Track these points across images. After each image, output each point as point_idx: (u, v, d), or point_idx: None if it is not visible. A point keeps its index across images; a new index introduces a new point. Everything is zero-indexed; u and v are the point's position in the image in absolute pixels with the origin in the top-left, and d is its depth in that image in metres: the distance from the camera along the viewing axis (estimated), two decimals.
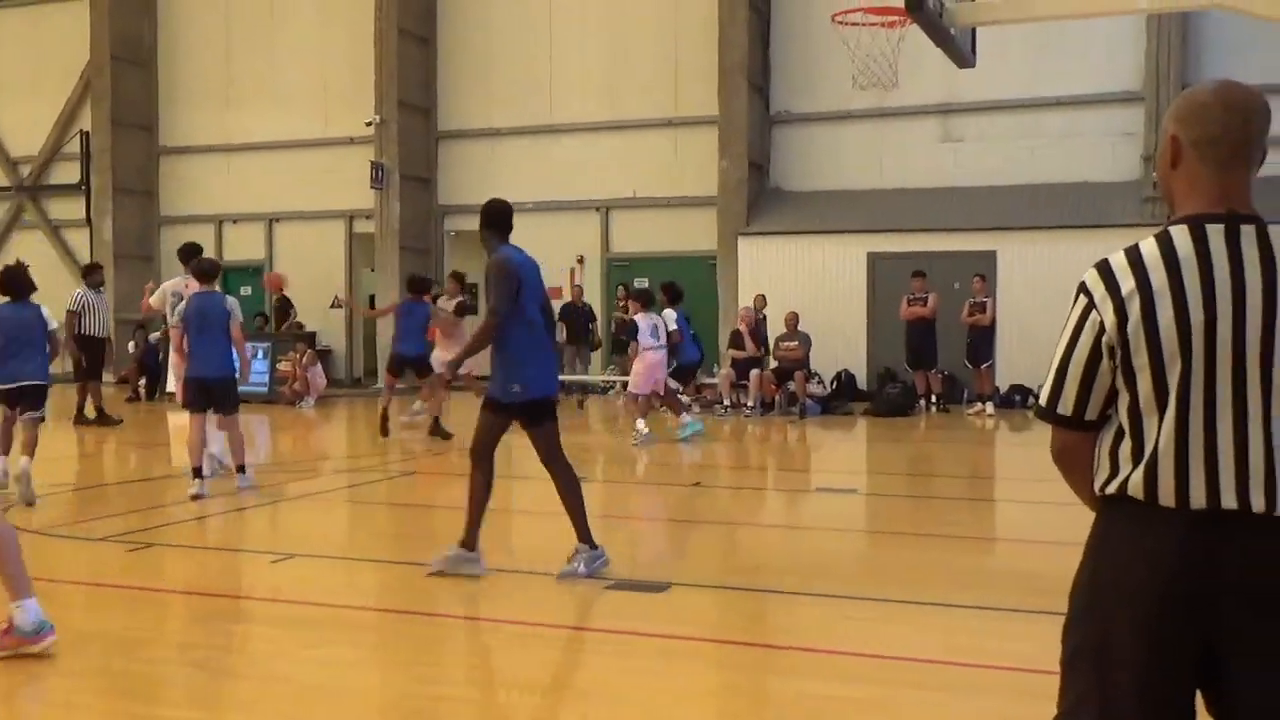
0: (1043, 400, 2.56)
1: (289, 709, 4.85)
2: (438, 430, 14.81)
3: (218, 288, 10.88)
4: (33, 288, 10.11)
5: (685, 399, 16.62)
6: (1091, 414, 2.48)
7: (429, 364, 15.18)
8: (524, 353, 6.97)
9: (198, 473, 10.20)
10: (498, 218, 7.49)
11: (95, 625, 6.21)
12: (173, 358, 11.05)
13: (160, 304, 12.48)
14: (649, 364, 14.52)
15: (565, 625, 5.99)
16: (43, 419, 10.14)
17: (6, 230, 27.52)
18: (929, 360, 18.14)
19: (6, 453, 10.28)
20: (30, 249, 27.15)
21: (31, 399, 9.94)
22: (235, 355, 10.67)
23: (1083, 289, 2.48)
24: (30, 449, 9.82)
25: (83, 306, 16.29)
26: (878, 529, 9.47)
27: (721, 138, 20.81)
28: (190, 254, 11.58)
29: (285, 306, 23.70)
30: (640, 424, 14.35)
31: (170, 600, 6.85)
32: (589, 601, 6.52)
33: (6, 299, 9.99)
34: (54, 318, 10.30)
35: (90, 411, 16.46)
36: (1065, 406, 2.50)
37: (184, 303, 10.73)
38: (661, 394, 14.97)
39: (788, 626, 6.29)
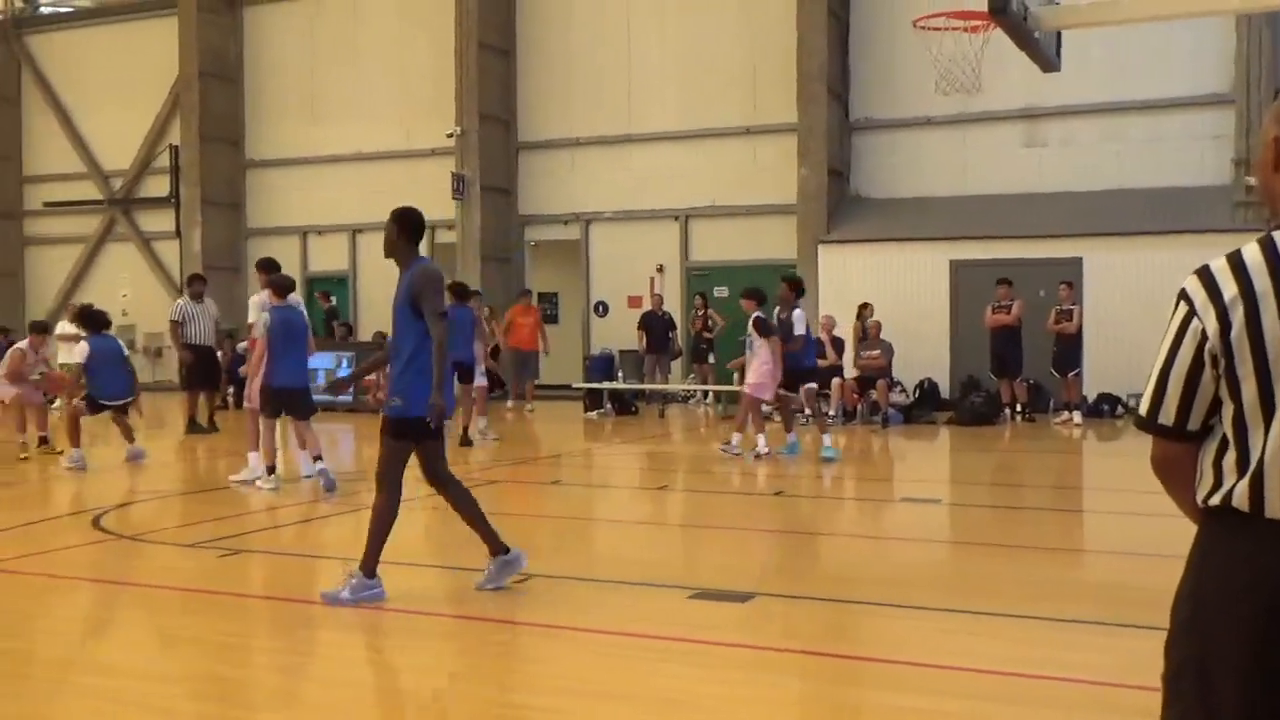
0: (1143, 410, 2.49)
1: (373, 714, 4.89)
2: (466, 440, 14.88)
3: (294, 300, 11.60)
4: (109, 323, 13.50)
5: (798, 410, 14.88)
6: (1193, 424, 2.42)
7: (472, 371, 15.12)
8: (424, 368, 6.69)
9: (271, 470, 11.16)
10: (414, 226, 7.19)
11: (187, 630, 6.32)
12: (252, 367, 11.52)
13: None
14: (770, 365, 13.04)
15: (646, 634, 5.98)
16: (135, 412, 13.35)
17: (99, 242, 28.18)
18: (1014, 369, 17.87)
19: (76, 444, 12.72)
20: (122, 261, 27.90)
21: (123, 409, 13.00)
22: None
23: (1183, 296, 2.41)
24: (129, 435, 12.81)
25: (184, 316, 16.68)
26: (962, 540, 9.35)
27: (801, 145, 20.70)
28: (268, 269, 11.83)
29: (329, 317, 24.03)
30: (760, 437, 13.28)
31: (257, 605, 6.96)
32: (671, 610, 6.50)
33: (90, 333, 13.05)
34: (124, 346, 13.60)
35: (202, 419, 16.75)
36: (1166, 417, 2.44)
37: (265, 315, 11.15)
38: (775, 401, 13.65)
39: (871, 638, 6.23)
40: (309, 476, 11.41)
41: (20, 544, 8.87)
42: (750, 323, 13.21)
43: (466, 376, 15.02)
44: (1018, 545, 8.61)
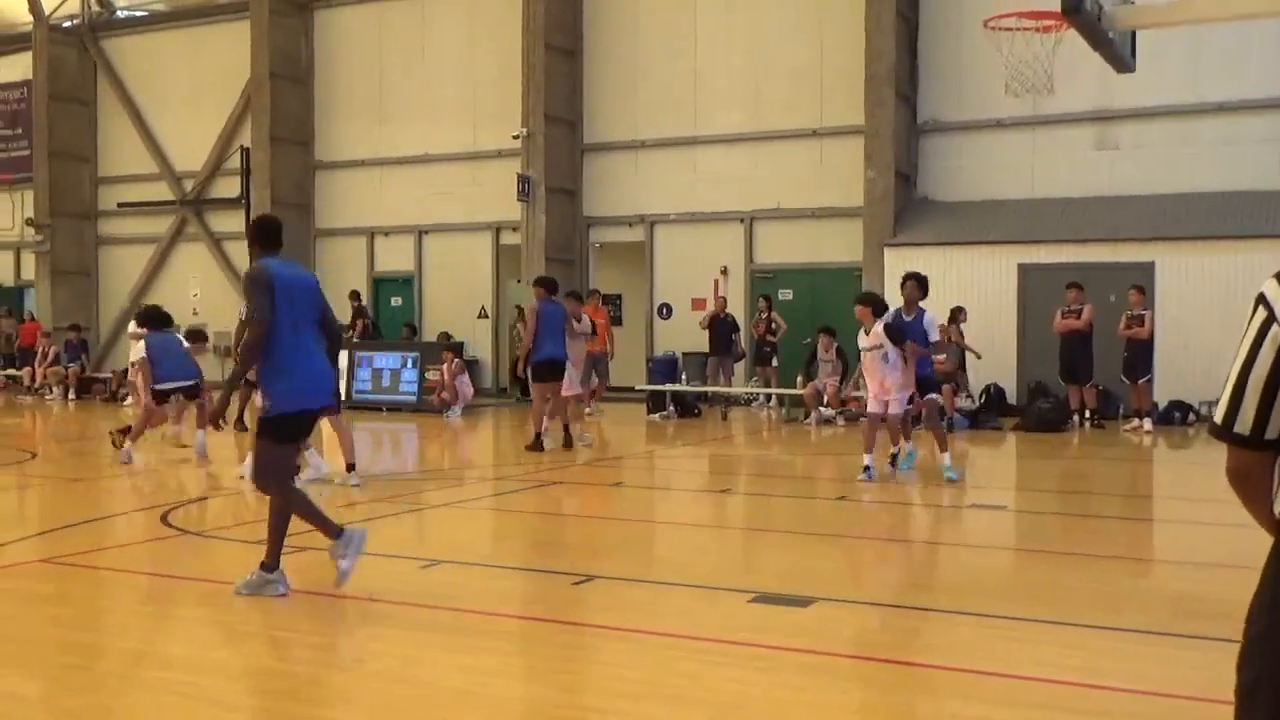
0: (1218, 418, 2.42)
1: (434, 714, 4.90)
2: (539, 445, 14.59)
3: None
4: (170, 321, 14.64)
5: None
6: (1271, 433, 2.35)
7: (559, 367, 14.81)
8: (278, 367, 6.74)
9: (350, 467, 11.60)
10: (263, 234, 7.16)
11: (252, 626, 6.38)
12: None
13: None
14: (906, 370, 11.85)
15: (707, 637, 5.94)
16: (202, 403, 13.69)
17: (171, 242, 28.64)
18: (1084, 374, 17.61)
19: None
20: (193, 261, 28.33)
21: (191, 394, 13.71)
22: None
23: (1261, 301, 2.34)
24: (201, 423, 13.30)
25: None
26: (1028, 547, 9.22)
27: (867, 147, 20.56)
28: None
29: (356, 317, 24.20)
30: (907, 443, 12.53)
31: (321, 603, 7.00)
32: (732, 614, 6.46)
33: (149, 329, 13.96)
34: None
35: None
36: (1243, 425, 2.37)
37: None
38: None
39: (935, 645, 6.15)
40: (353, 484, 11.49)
41: (91, 538, 9.03)
42: (877, 330, 11.70)
43: (548, 374, 14.66)
44: (1086, 553, 8.47)
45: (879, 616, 6.59)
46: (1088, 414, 17.68)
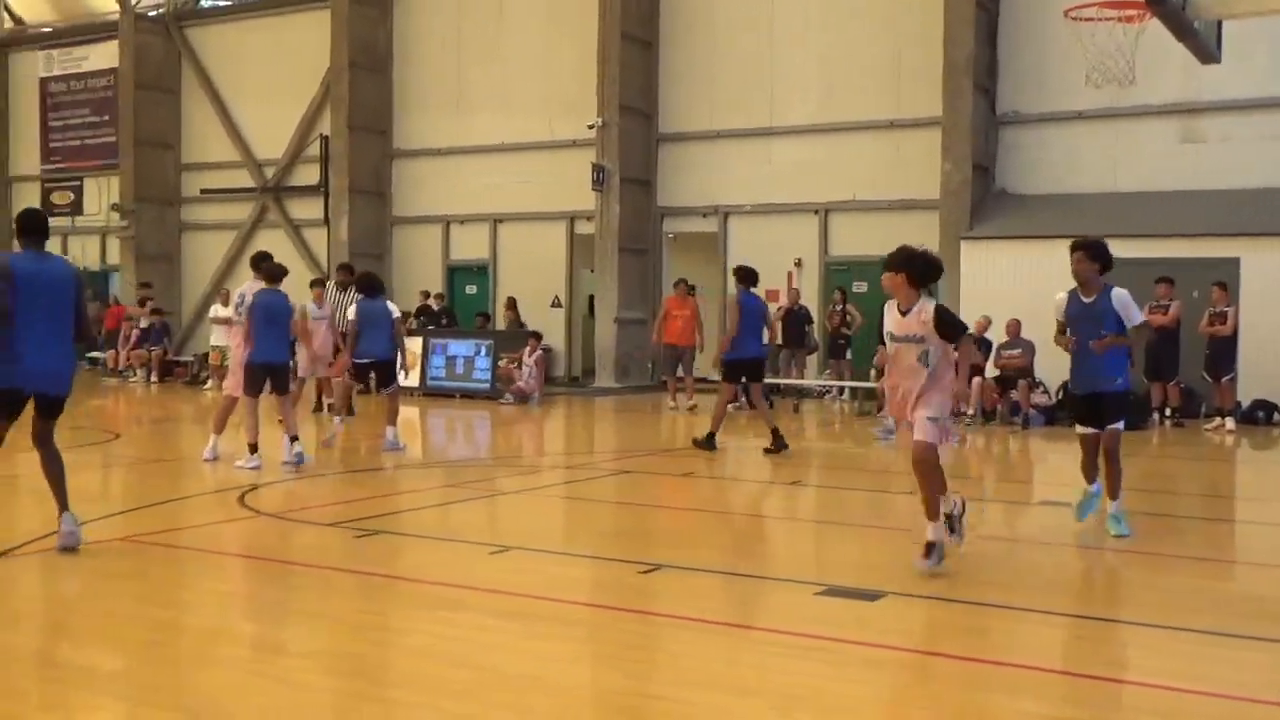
0: None
1: (503, 698, 4.95)
2: (780, 444, 13.46)
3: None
4: (383, 287, 13.61)
5: None
6: None
7: (763, 369, 14.34)
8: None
9: (253, 449, 11.58)
10: (28, 225, 7.72)
11: (325, 607, 6.49)
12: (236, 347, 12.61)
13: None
14: (953, 381, 11.22)
15: (774, 629, 5.94)
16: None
17: (252, 229, 29.07)
18: (1169, 372, 17.25)
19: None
20: (273, 247, 28.51)
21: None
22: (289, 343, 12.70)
23: None
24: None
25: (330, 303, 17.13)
26: (1101, 545, 9.08)
27: (945, 139, 20.34)
28: (260, 261, 12.73)
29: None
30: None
31: (393, 586, 7.09)
32: (799, 606, 6.45)
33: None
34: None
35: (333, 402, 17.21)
36: None
37: (248, 297, 12.15)
38: None
39: (1003, 642, 6.09)
40: (286, 462, 11.76)
41: (170, 518, 9.22)
42: (924, 313, 11.18)
43: (751, 373, 14.18)
44: (1162, 553, 8.33)
45: (948, 612, 6.54)
46: (1168, 412, 17.36)
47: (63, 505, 7.61)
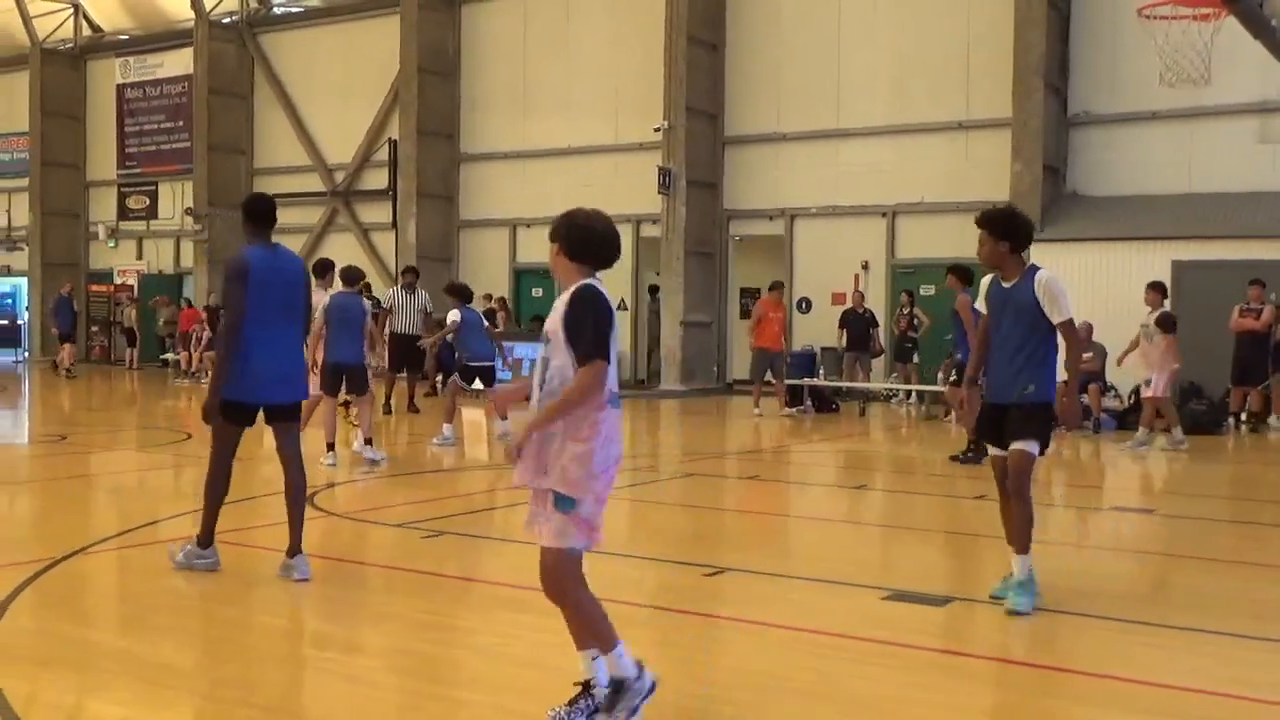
0: None
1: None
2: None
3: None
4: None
5: None
6: None
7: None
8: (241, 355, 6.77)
9: (330, 447, 11.86)
10: (253, 213, 7.08)
11: (392, 607, 6.54)
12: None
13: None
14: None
15: (839, 633, 5.90)
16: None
17: (322, 232, 29.43)
18: (1257, 376, 16.86)
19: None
20: (342, 250, 29.01)
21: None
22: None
23: None
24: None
25: (394, 304, 17.34)
26: (1176, 552, 8.92)
27: (1015, 140, 20.12)
28: (327, 269, 13.58)
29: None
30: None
31: (458, 586, 7.14)
32: (865, 611, 6.40)
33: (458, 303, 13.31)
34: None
35: (417, 402, 17.52)
36: None
37: (325, 299, 12.50)
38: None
39: (1073, 649, 6.00)
40: (372, 460, 12.20)
41: (241, 517, 9.33)
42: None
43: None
44: (1237, 560, 8.18)
45: (1017, 619, 6.45)
46: (1243, 417, 17.02)
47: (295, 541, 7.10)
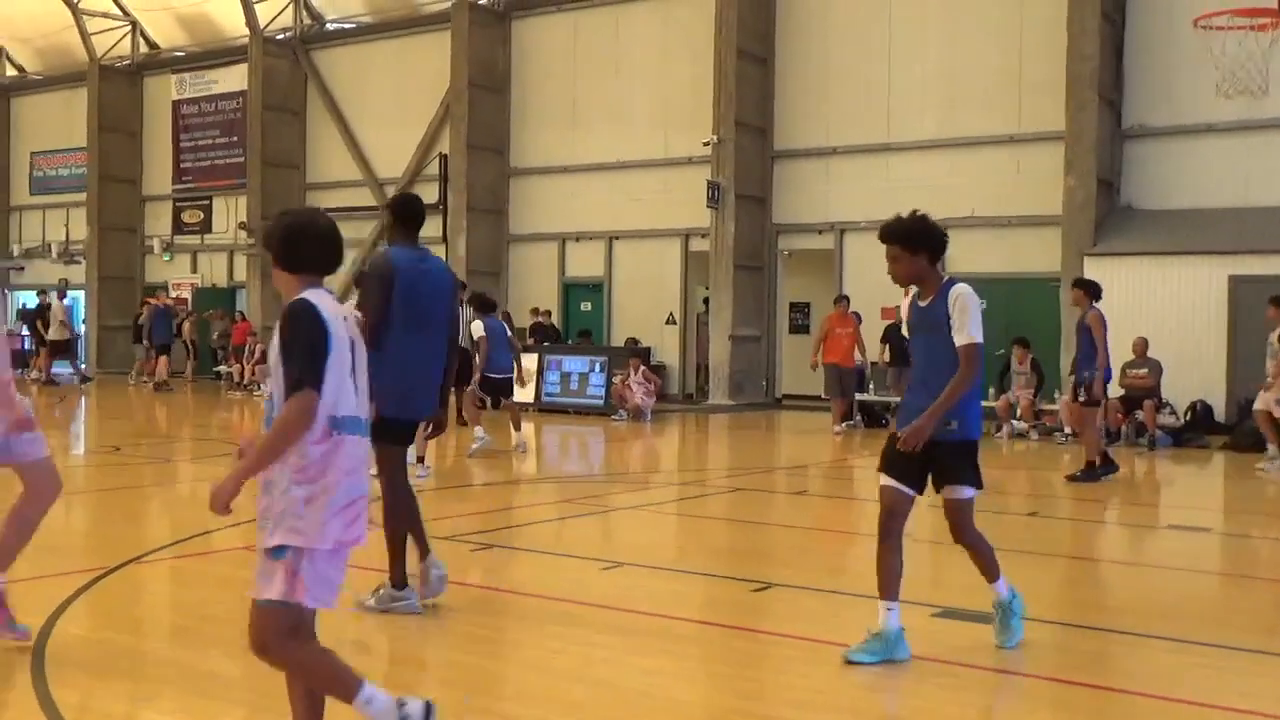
0: None
1: (615, 713, 4.93)
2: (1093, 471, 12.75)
3: None
4: (496, 305, 14.15)
5: None
6: None
7: None
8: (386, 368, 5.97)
9: (420, 460, 12.01)
10: (404, 212, 6.59)
11: (440, 620, 6.53)
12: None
13: None
14: None
15: None
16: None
17: (373, 247, 29.58)
18: None
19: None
20: None
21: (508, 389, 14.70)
22: None
23: None
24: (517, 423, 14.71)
25: None
26: (1236, 572, 8.77)
27: (1068, 153, 19.90)
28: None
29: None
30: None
31: (507, 599, 7.13)
32: (915, 628, 6.31)
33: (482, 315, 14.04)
34: None
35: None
36: None
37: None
38: None
39: (1129, 670, 5.89)
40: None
41: None
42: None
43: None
44: None
45: (1070, 637, 6.35)
46: None
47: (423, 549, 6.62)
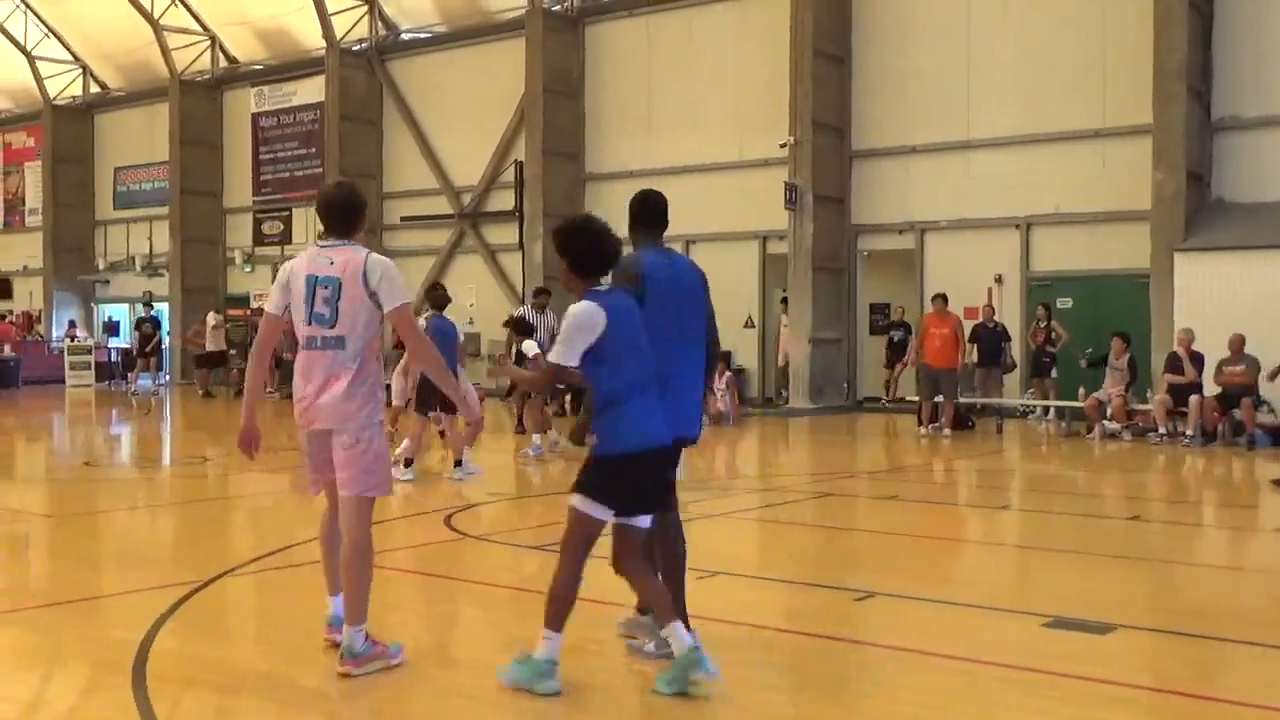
0: None
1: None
2: None
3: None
4: (447, 300, 13.02)
5: None
6: None
7: None
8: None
9: (409, 464, 12.33)
10: (645, 211, 5.99)
11: (524, 630, 6.41)
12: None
13: None
14: None
15: (1000, 662, 5.62)
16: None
17: (450, 254, 29.74)
18: None
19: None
20: (470, 272, 29.36)
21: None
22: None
23: None
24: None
25: None
26: None
27: (1156, 147, 19.40)
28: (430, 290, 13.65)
29: None
30: None
31: (591, 610, 6.98)
32: (1025, 638, 6.10)
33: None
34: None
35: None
36: None
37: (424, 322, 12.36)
38: None
39: (1245, 680, 5.62)
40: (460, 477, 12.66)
41: (379, 539, 9.33)
42: None
43: None
44: None
45: (1186, 647, 6.09)
46: None
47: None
